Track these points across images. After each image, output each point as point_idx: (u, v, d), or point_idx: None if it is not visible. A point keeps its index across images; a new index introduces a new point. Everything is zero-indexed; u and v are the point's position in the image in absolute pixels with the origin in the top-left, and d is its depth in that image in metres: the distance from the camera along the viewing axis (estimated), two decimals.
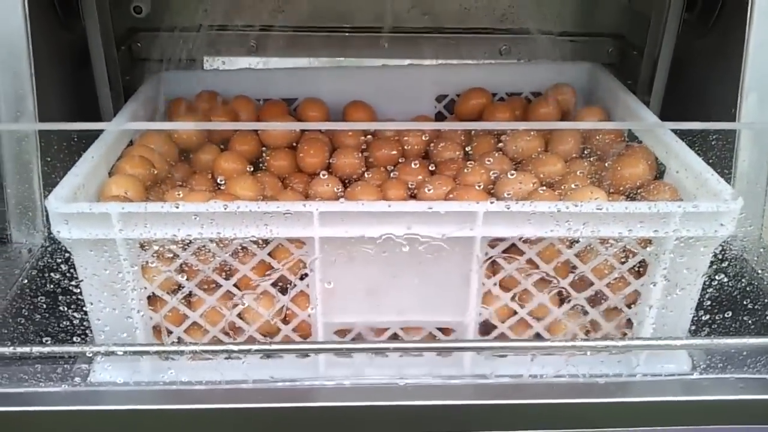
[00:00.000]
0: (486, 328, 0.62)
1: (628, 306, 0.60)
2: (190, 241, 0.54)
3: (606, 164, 0.67)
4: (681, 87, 0.81)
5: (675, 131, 0.65)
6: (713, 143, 0.68)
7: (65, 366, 0.58)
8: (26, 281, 0.65)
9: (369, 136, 0.78)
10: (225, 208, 0.50)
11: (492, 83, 0.86)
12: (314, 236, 0.55)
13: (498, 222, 0.54)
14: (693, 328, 0.60)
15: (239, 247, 0.56)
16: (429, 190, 0.66)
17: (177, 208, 0.50)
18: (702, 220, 0.53)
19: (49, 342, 0.55)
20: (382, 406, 0.56)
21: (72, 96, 0.78)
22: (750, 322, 0.61)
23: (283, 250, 0.57)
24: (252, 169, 0.74)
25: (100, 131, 0.66)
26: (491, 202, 0.52)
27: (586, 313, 0.60)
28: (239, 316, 0.60)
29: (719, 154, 0.69)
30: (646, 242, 0.56)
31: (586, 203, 0.51)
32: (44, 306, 0.63)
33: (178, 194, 0.59)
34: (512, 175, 0.63)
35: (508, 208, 0.51)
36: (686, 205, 0.51)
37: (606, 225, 0.52)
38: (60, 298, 0.59)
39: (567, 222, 0.51)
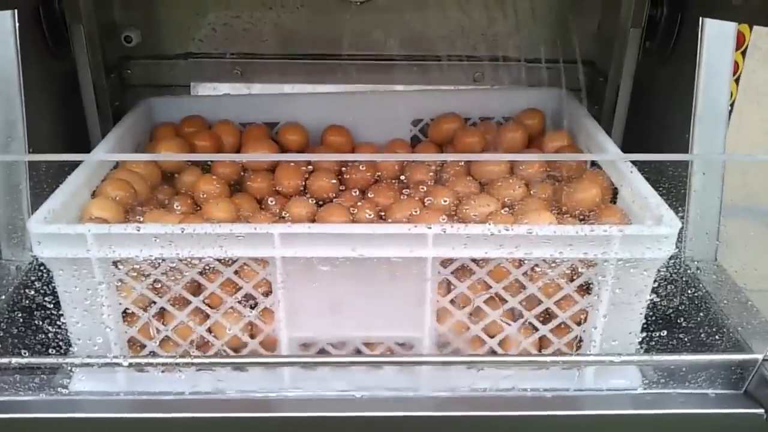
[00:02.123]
0: (444, 342, 0.65)
1: (578, 323, 0.63)
2: (161, 261, 0.58)
3: (562, 188, 0.70)
4: (642, 111, 0.85)
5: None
6: (669, 169, 0.72)
7: (43, 376, 0.62)
8: (13, 296, 0.69)
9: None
10: (182, 231, 0.54)
11: (466, 108, 0.90)
12: (275, 256, 0.58)
13: (445, 243, 0.57)
14: (640, 344, 0.63)
15: (207, 266, 0.60)
16: (396, 211, 0.69)
17: (138, 230, 0.53)
18: (635, 243, 0.56)
19: (27, 354, 0.59)
20: (341, 417, 0.60)
21: (61, 121, 0.82)
22: (687, 339, 0.63)
23: (249, 269, 0.61)
24: (232, 189, 0.78)
25: (90, 149, 0.70)
26: (429, 227, 0.55)
27: (536, 329, 0.63)
28: (209, 330, 0.64)
29: (674, 178, 0.72)
30: (589, 263, 0.59)
31: (517, 227, 0.55)
32: (28, 319, 0.67)
33: (139, 218, 0.62)
34: (473, 195, 0.66)
35: (444, 231, 0.54)
36: (613, 228, 0.55)
37: (537, 248, 0.55)
38: (43, 312, 0.63)
39: (500, 245, 0.54)
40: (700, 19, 0.70)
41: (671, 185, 0.68)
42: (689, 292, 0.70)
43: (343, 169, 0.81)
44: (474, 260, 0.59)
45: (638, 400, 0.61)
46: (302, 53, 0.94)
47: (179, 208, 0.71)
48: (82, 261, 0.57)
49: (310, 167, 0.81)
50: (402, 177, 0.80)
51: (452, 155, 0.81)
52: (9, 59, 0.71)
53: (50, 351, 0.63)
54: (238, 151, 0.86)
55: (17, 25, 0.70)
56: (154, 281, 0.60)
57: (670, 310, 0.66)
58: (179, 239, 0.54)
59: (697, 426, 0.60)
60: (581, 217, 0.66)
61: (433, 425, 0.60)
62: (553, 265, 0.58)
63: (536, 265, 0.59)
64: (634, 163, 0.67)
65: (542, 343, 0.66)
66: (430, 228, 0.55)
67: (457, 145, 0.86)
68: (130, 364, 0.59)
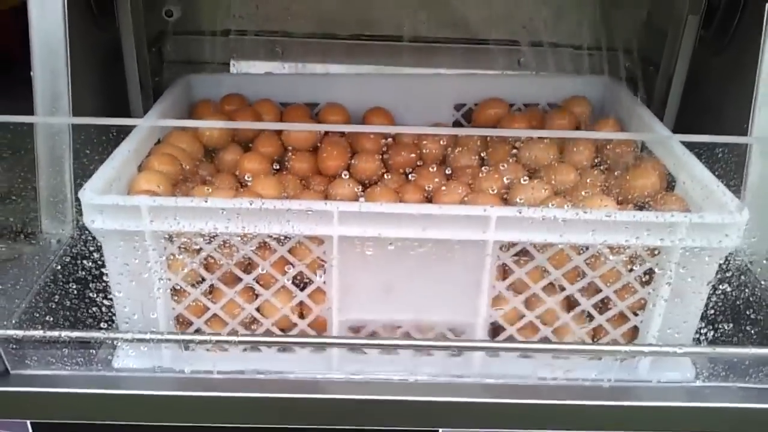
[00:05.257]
0: (495, 330, 0.64)
1: (635, 313, 0.62)
2: (215, 236, 0.56)
3: (618, 175, 0.69)
4: (695, 102, 0.83)
5: (686, 144, 0.67)
6: (724, 156, 0.70)
7: (92, 351, 0.61)
8: (55, 270, 0.68)
9: (389, 139, 0.80)
10: (251, 204, 0.52)
11: (509, 94, 0.88)
12: (333, 234, 0.57)
13: (510, 227, 0.56)
14: (697, 336, 0.62)
15: (261, 243, 0.58)
16: (444, 194, 0.68)
17: (206, 202, 0.52)
18: (708, 231, 0.54)
19: (76, 328, 0.58)
20: (393, 400, 0.58)
21: (104, 95, 0.81)
22: (753, 332, 0.62)
23: (302, 248, 0.60)
24: (274, 169, 0.77)
25: (131, 129, 0.69)
26: (496, 208, 0.54)
27: (593, 318, 0.62)
28: (258, 309, 0.63)
29: (729, 166, 0.70)
30: (654, 251, 0.58)
31: (595, 211, 0.53)
32: (70, 295, 0.66)
33: (208, 189, 0.61)
34: (525, 180, 0.65)
35: (520, 213, 0.53)
36: (693, 215, 0.53)
37: (614, 233, 0.54)
38: (85, 287, 0.62)
39: (576, 228, 0.53)
40: (767, 5, 0.68)
41: (725, 173, 0.66)
42: (744, 282, 0.68)
43: (386, 151, 0.80)
44: (533, 245, 0.58)
45: (698, 392, 0.59)
46: (344, 34, 0.93)
47: (247, 180, 0.69)
48: (135, 233, 0.56)
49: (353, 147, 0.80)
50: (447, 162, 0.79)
51: (507, 131, 0.79)
52: (56, 29, 0.70)
53: (94, 326, 0.62)
54: (279, 131, 0.85)
55: None
56: (206, 257, 0.59)
57: (726, 301, 0.64)
58: (245, 214, 0.53)
59: (757, 420, 0.58)
60: (641, 204, 0.64)
61: (486, 411, 0.59)
62: (617, 252, 0.57)
63: (598, 252, 0.57)
64: (692, 151, 0.66)
65: (596, 333, 0.64)
66: (499, 210, 0.53)
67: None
68: (184, 341, 0.58)
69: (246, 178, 0.69)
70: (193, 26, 0.92)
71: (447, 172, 0.76)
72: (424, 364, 0.63)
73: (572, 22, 0.92)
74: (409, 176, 0.77)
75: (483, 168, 0.73)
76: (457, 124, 0.91)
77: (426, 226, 0.56)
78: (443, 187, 0.71)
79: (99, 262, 0.60)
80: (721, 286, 0.60)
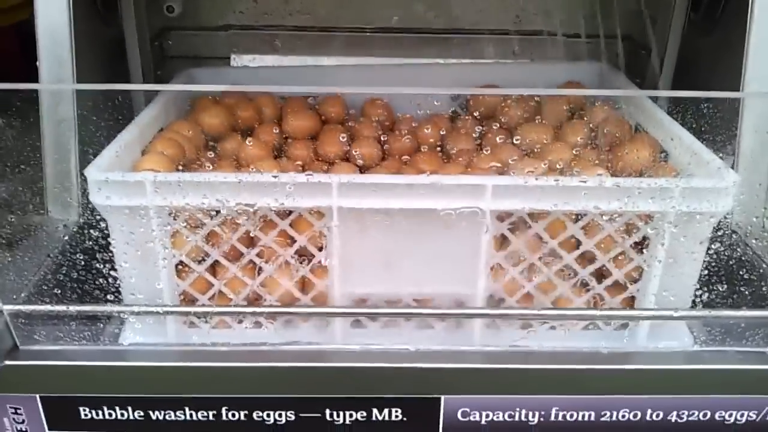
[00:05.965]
0: (494, 302, 0.65)
1: (632, 280, 0.63)
2: (218, 211, 0.58)
3: (612, 151, 0.70)
4: (687, 83, 0.85)
5: (679, 121, 0.69)
6: (716, 126, 0.71)
7: (98, 325, 0.62)
8: (62, 251, 0.69)
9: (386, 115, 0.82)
10: (251, 172, 0.54)
11: (505, 82, 0.90)
12: (332, 206, 0.58)
13: (506, 195, 0.57)
14: (693, 299, 0.63)
15: (263, 218, 0.60)
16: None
17: (210, 172, 0.54)
18: (699, 195, 0.56)
19: (85, 302, 0.59)
20: (395, 368, 0.59)
21: None
22: (748, 293, 0.63)
23: (304, 222, 0.61)
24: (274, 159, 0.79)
25: (134, 116, 0.71)
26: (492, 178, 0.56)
27: (591, 288, 0.63)
28: (261, 285, 0.64)
29: (722, 136, 0.72)
30: (647, 218, 0.59)
31: (589, 178, 0.55)
32: (78, 276, 0.67)
33: (210, 160, 0.62)
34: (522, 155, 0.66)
35: (514, 176, 0.54)
36: (684, 179, 0.55)
37: (608, 198, 0.55)
38: (91, 268, 0.64)
39: (571, 195, 0.54)
40: None
41: (718, 140, 0.68)
42: (735, 246, 0.69)
43: (384, 138, 0.82)
44: (530, 215, 0.59)
45: (696, 356, 0.60)
46: (342, 26, 0.95)
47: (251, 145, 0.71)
48: (140, 210, 0.57)
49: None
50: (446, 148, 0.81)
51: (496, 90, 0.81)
52: (62, 20, 0.71)
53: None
54: (279, 121, 0.87)
55: None
56: (210, 233, 0.60)
57: (719, 266, 0.65)
58: (248, 186, 0.55)
59: (754, 382, 0.59)
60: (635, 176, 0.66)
61: (488, 378, 0.60)
62: (611, 219, 0.58)
63: (593, 220, 0.59)
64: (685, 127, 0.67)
65: (594, 303, 0.65)
66: (495, 178, 0.55)
67: (501, 117, 0.85)
68: (189, 314, 0.59)
69: (248, 142, 0.70)
70: (193, 22, 0.94)
71: (448, 147, 0.78)
72: (424, 336, 0.64)
73: (565, 9, 0.94)
74: (407, 162, 0.78)
75: (479, 149, 0.74)
76: (453, 113, 0.92)
77: (424, 196, 0.57)
78: (441, 170, 0.72)
79: (104, 244, 0.62)
80: (715, 252, 0.61)
